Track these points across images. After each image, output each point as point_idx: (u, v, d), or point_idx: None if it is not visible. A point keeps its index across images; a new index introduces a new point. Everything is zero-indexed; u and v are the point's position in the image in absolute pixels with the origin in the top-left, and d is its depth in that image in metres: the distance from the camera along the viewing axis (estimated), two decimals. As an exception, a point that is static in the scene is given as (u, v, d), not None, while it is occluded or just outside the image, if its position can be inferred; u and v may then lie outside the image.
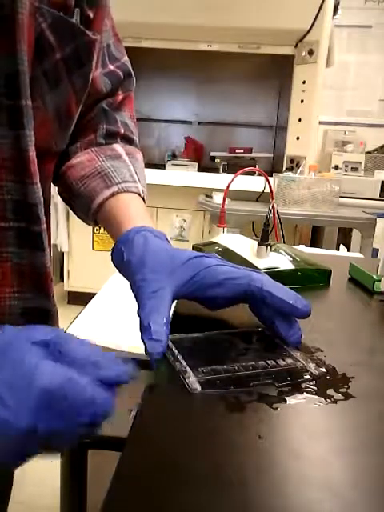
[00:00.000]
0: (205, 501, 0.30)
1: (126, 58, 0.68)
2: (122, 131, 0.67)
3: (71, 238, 3.01)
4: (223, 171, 2.96)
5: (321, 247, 2.85)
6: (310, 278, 0.82)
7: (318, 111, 2.63)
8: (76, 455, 1.11)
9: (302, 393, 0.44)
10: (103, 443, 1.10)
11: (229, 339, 0.53)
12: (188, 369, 0.45)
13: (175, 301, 0.54)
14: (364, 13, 3.32)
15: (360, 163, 3.07)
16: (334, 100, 3.43)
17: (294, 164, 2.70)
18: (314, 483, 0.33)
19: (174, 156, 3.27)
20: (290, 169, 2.68)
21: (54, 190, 0.66)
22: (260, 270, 0.79)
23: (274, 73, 3.28)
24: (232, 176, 1.12)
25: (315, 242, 3.19)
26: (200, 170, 2.99)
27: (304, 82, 2.62)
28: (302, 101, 2.65)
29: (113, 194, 0.60)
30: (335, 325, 0.64)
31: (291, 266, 0.82)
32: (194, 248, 0.99)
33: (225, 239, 0.97)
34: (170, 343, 0.50)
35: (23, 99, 0.47)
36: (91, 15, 0.55)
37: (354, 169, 3.07)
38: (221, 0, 2.47)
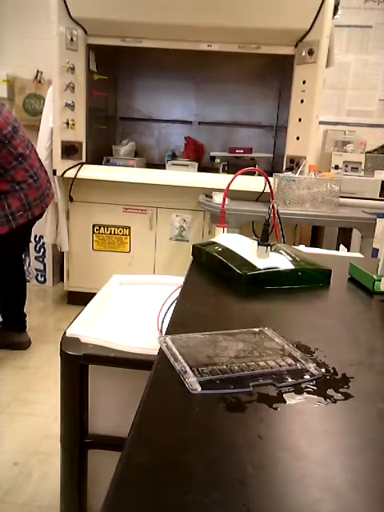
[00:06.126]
0: (205, 501, 0.30)
1: None
2: None
3: (71, 238, 3.01)
4: (223, 171, 2.96)
5: (321, 247, 2.85)
6: (310, 278, 0.83)
7: (318, 111, 2.63)
8: (76, 455, 1.11)
9: (301, 393, 0.44)
10: (103, 443, 1.10)
11: (229, 339, 0.53)
12: (188, 369, 0.45)
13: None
14: (364, 13, 3.32)
15: (360, 163, 3.07)
16: (334, 100, 3.43)
17: (294, 164, 2.69)
18: (314, 483, 0.33)
19: (174, 156, 3.27)
20: (290, 169, 2.68)
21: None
22: (260, 269, 0.79)
23: (274, 73, 3.28)
24: (232, 176, 1.12)
25: (315, 242, 3.19)
26: (200, 170, 2.98)
27: (304, 82, 2.62)
28: (302, 101, 2.65)
29: None
30: (335, 325, 0.64)
31: (291, 266, 0.82)
32: (194, 248, 0.99)
33: (225, 239, 0.97)
34: (170, 343, 0.50)
35: None
36: None
37: (354, 169, 3.07)
38: (221, 0, 2.47)
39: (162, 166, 3.07)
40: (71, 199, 2.92)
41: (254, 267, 0.80)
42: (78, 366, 1.06)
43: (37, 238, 3.40)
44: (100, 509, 0.30)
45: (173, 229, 2.95)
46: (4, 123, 2.03)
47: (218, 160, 3.16)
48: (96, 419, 1.10)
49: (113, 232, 2.98)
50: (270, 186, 1.28)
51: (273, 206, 1.11)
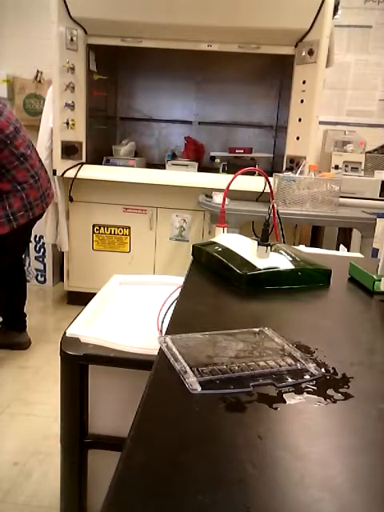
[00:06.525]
0: (205, 501, 0.30)
1: None
2: None
3: (71, 238, 3.01)
4: (223, 171, 2.95)
5: (321, 247, 2.85)
6: (310, 278, 0.82)
7: (318, 111, 2.63)
8: (76, 455, 1.11)
9: (302, 393, 0.44)
10: (103, 443, 1.10)
11: (229, 339, 0.53)
12: (188, 369, 0.45)
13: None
14: (364, 13, 3.32)
15: (360, 163, 3.07)
16: (334, 100, 3.43)
17: (294, 164, 2.69)
18: (314, 483, 0.33)
19: (174, 156, 3.27)
20: (290, 169, 2.67)
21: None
22: (260, 269, 0.79)
23: (274, 73, 3.28)
24: (232, 176, 1.12)
25: (315, 242, 3.19)
26: (200, 170, 2.98)
27: (304, 82, 2.62)
28: (302, 101, 2.65)
29: None
30: (335, 325, 0.64)
31: (291, 266, 0.82)
32: (194, 248, 0.99)
33: (225, 239, 0.97)
34: (170, 343, 0.50)
35: None
36: None
37: (354, 169, 3.06)
38: (221, 0, 2.47)
39: (162, 166, 3.06)
40: (71, 199, 2.92)
41: (254, 267, 0.80)
42: (78, 365, 1.06)
43: (37, 238, 3.40)
44: (100, 509, 0.30)
45: (173, 229, 2.95)
46: (6, 123, 2.03)
47: (217, 160, 3.16)
48: (96, 419, 1.10)
49: (113, 232, 2.98)
50: (270, 186, 1.28)
51: (273, 206, 1.11)
